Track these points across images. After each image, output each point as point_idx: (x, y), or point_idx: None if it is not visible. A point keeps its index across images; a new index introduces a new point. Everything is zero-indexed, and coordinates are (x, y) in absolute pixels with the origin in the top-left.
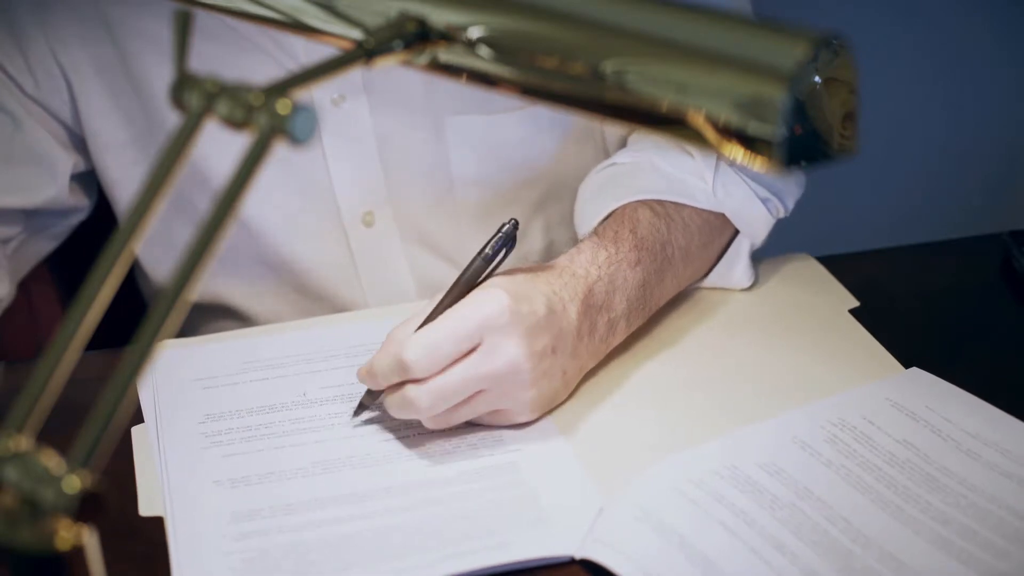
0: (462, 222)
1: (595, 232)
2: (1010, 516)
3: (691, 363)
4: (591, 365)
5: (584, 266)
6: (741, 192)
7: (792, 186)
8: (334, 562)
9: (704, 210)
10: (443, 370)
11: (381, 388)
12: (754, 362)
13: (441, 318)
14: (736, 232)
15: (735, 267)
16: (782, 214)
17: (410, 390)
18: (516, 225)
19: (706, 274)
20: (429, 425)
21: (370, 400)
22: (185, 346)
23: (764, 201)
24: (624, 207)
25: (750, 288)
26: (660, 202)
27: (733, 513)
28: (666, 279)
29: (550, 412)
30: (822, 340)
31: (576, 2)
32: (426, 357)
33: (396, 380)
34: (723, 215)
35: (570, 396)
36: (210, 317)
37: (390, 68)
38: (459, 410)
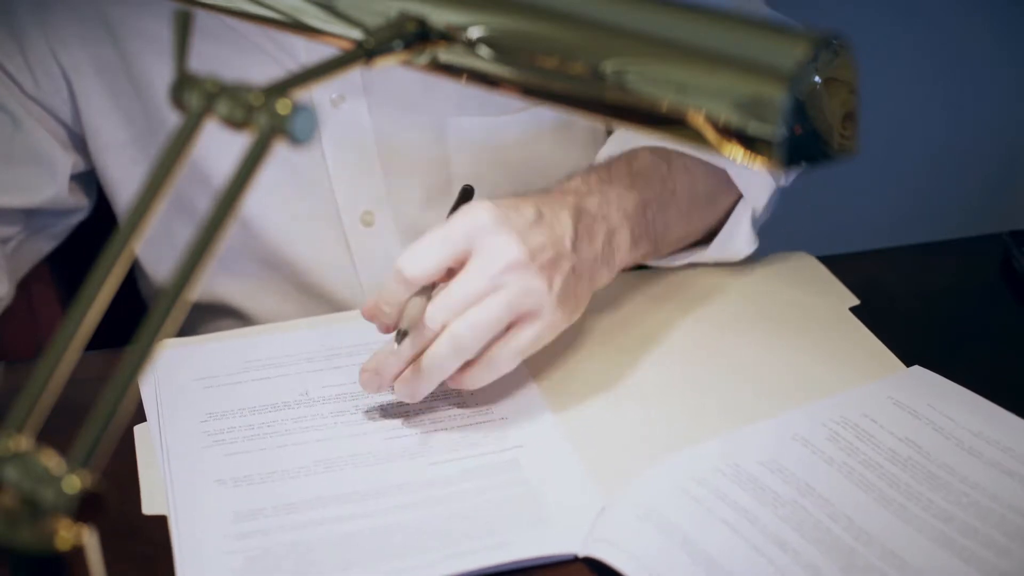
0: None
1: (589, 166)
2: (1012, 514)
3: (692, 362)
4: (604, 276)
5: (575, 186)
6: None
7: None
8: (336, 561)
9: (706, 162)
10: (447, 282)
11: (391, 323)
12: (755, 362)
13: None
14: (737, 200)
15: (737, 234)
16: (782, 182)
17: (429, 310)
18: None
19: (708, 241)
20: (463, 346)
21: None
22: (187, 345)
23: None
24: (624, 152)
25: (750, 288)
26: (663, 148)
27: (735, 511)
28: (670, 211)
29: (555, 408)
30: (823, 339)
31: (576, 2)
32: (415, 257)
33: (398, 296)
34: (725, 174)
35: (570, 395)
36: (210, 317)
37: (390, 69)
38: (481, 316)
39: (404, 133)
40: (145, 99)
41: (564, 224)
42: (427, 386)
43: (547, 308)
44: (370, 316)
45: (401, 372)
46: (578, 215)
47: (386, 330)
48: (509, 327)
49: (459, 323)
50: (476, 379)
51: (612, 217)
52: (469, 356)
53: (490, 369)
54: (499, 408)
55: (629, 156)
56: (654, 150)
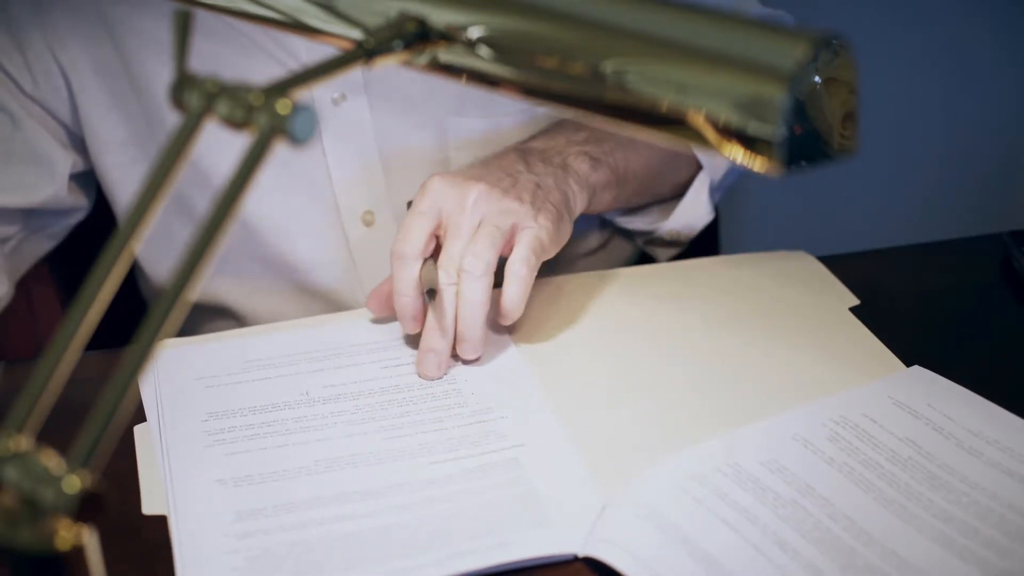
0: None
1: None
2: (1012, 514)
3: (692, 362)
4: (577, 193)
5: (516, 143)
6: None
7: None
8: (337, 561)
9: None
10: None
11: (415, 306)
12: (755, 362)
13: None
14: (696, 171)
15: (698, 202)
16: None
17: (439, 268)
18: None
19: (670, 202)
20: (479, 273)
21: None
22: (187, 345)
23: None
24: None
25: (750, 288)
26: None
27: (735, 511)
28: (629, 150)
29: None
30: (823, 339)
31: (576, 2)
32: (402, 239)
33: (409, 279)
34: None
35: (570, 395)
36: (210, 317)
37: (391, 68)
38: (479, 244)
39: (405, 133)
40: (145, 99)
41: (511, 159)
42: (477, 328)
43: (529, 217)
44: (382, 310)
45: (449, 341)
46: (524, 153)
47: (414, 319)
48: (508, 248)
49: (466, 260)
50: (512, 297)
51: (560, 146)
52: (488, 282)
53: (514, 281)
54: (499, 408)
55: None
56: None
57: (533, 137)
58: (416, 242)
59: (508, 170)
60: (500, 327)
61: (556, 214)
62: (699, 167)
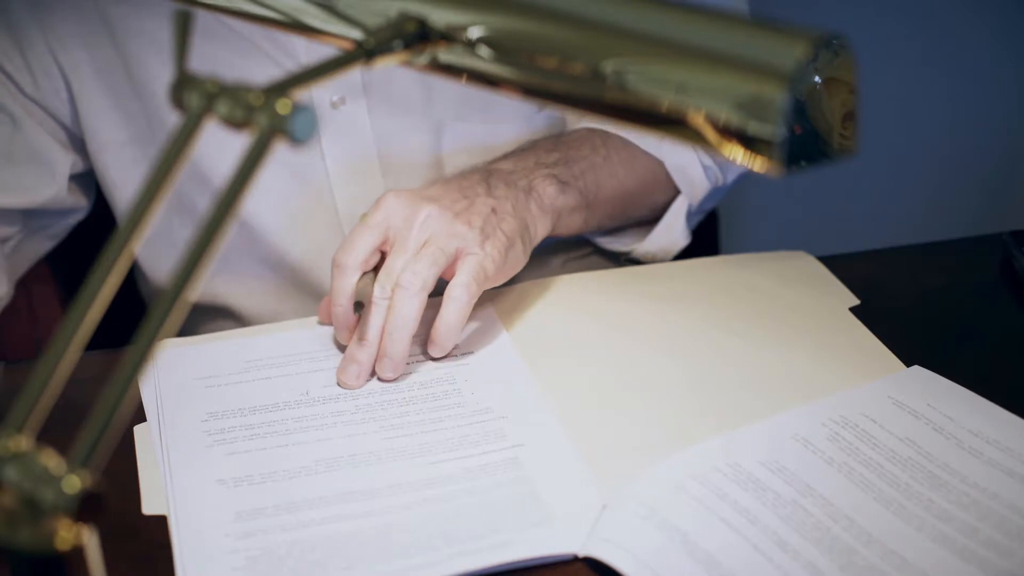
0: None
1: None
2: (1012, 514)
3: (692, 362)
4: (537, 216)
5: (486, 162)
6: (686, 153)
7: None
8: (337, 560)
9: (645, 153)
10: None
11: (348, 316)
12: (755, 362)
13: None
14: (674, 196)
15: (675, 226)
16: (720, 183)
17: (377, 280)
18: None
19: (646, 226)
20: (415, 290)
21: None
22: (187, 345)
23: (705, 168)
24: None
25: (750, 288)
26: (603, 127)
27: (736, 510)
28: (601, 172)
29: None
30: (823, 339)
31: (576, 2)
32: (346, 248)
33: (345, 289)
34: (662, 166)
35: (570, 394)
36: (210, 317)
37: (390, 72)
38: (420, 263)
39: (403, 136)
40: (145, 99)
41: (473, 180)
42: (402, 345)
43: (475, 244)
44: (327, 319)
45: (372, 354)
46: (488, 174)
47: (348, 329)
48: (451, 272)
49: (404, 275)
50: (447, 321)
51: (529, 168)
52: (422, 300)
53: (452, 305)
54: (499, 407)
55: (563, 132)
56: (592, 128)
57: (504, 156)
58: (358, 253)
59: (466, 192)
60: (497, 320)
61: (506, 242)
62: (676, 191)
